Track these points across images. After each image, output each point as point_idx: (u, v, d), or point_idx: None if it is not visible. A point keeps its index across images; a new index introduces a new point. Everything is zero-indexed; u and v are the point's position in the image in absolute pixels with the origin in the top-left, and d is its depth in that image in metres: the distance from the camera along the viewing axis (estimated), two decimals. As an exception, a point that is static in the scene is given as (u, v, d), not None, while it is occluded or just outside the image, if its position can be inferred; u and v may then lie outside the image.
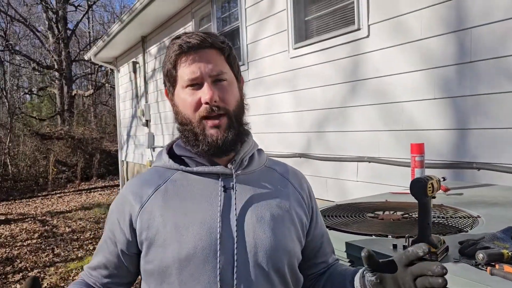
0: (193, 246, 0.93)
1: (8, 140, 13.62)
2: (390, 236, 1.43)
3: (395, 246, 1.25)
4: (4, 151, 13.33)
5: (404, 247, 1.19)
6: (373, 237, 1.47)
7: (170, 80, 1.04)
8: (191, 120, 1.00)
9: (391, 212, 1.83)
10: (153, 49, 7.90)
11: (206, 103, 0.97)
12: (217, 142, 0.98)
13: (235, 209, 0.99)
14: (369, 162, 3.24)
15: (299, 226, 1.06)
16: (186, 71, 0.99)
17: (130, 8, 6.93)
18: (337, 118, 3.55)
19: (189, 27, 6.30)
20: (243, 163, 1.06)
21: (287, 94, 4.16)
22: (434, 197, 1.14)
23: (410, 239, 1.18)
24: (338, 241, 1.49)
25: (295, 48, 3.99)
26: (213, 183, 1.02)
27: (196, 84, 0.99)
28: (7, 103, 15.92)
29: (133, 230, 0.99)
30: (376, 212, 1.84)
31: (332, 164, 3.64)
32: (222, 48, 1.02)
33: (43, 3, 16.90)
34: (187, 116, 1.01)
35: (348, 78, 3.42)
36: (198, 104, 0.99)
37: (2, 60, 18.25)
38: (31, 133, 14.17)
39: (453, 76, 2.63)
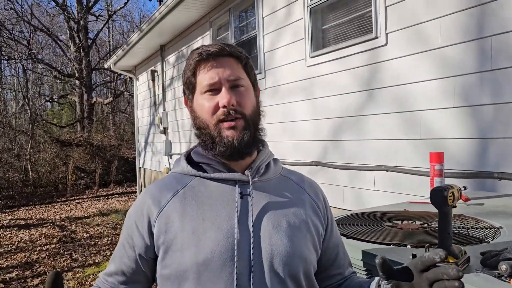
0: (210, 250, 0.94)
1: (29, 146, 13.91)
2: (409, 245, 1.41)
3: (414, 256, 1.23)
4: (25, 157, 13.61)
5: (424, 257, 1.17)
6: (392, 246, 1.45)
7: (189, 87, 1.07)
8: (208, 124, 1.02)
9: (410, 221, 1.81)
10: (171, 58, 8.00)
11: (224, 106, 0.99)
12: (233, 143, 0.99)
13: (252, 215, 1.00)
14: (387, 171, 3.21)
15: (315, 234, 1.06)
16: (205, 77, 1.02)
17: (149, 17, 7.04)
18: (354, 126, 3.53)
19: (207, 36, 6.36)
20: (259, 171, 1.07)
21: (304, 102, 4.16)
22: (454, 207, 1.12)
23: (431, 249, 1.16)
24: (355, 250, 1.48)
25: (312, 57, 3.99)
26: (230, 189, 1.03)
27: (214, 89, 1.01)
28: (29, 110, 16.27)
29: (151, 233, 1.00)
30: (394, 221, 1.82)
31: (349, 173, 3.61)
32: (240, 56, 1.05)
33: (65, 13, 17.30)
34: (205, 120, 1.03)
35: (366, 87, 3.40)
36: (216, 108, 1.01)
37: (25, 68, 18.72)
38: (51, 140, 14.44)
39: (473, 84, 2.60)
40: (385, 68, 3.21)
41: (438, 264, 0.79)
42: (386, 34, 3.18)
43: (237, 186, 1.03)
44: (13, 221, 9.20)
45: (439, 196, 1.09)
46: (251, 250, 0.96)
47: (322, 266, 1.12)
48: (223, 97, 1.00)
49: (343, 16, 3.73)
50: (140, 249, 1.02)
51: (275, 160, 1.15)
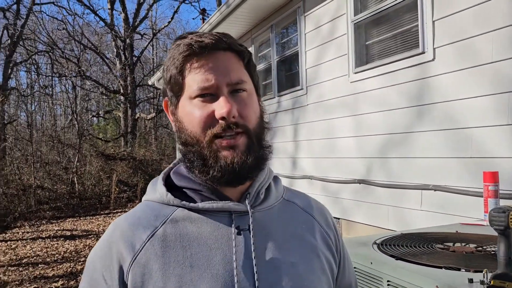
0: None
1: (76, 160, 14.47)
2: (463, 269, 1.34)
3: (471, 281, 1.16)
4: (72, 170, 14.16)
5: (482, 283, 1.11)
6: (443, 269, 1.38)
7: (174, 88, 0.82)
8: (199, 139, 0.79)
9: (463, 244, 1.72)
10: (213, 74, 8.14)
11: (223, 118, 0.77)
12: (233, 166, 0.77)
13: (255, 256, 0.78)
14: (435, 190, 3.08)
15: (330, 274, 0.88)
16: (197, 77, 0.78)
17: (193, 35, 7.20)
18: (400, 144, 3.43)
19: (249, 52, 6.44)
20: (259, 197, 0.85)
21: (347, 119, 4.09)
22: (516, 229, 1.06)
23: (489, 274, 1.09)
24: (406, 272, 1.41)
25: (356, 72, 3.94)
26: (224, 224, 0.80)
27: (208, 94, 0.79)
28: (77, 125, 16.98)
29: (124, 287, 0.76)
30: (445, 244, 1.74)
31: (394, 192, 3.50)
32: (242, 51, 0.83)
33: (112, 32, 18.09)
34: (194, 134, 0.80)
35: (412, 103, 3.31)
36: (211, 119, 0.78)
37: (75, 85, 19.61)
38: (96, 154, 14.96)
39: (529, 100, 2.47)
40: (433, 84, 3.12)
41: None
42: (434, 49, 3.09)
43: (232, 218, 0.81)
44: (60, 231, 9.53)
45: (499, 217, 1.04)
46: None
47: None
48: (222, 106, 0.77)
49: (388, 31, 3.67)
50: None
51: (276, 180, 0.93)
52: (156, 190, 0.84)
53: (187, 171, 0.83)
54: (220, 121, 0.77)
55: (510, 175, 2.55)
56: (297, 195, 0.96)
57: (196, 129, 0.79)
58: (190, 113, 0.80)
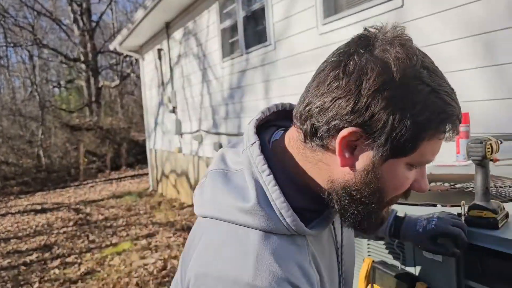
0: None
1: (40, 132, 14.01)
2: (439, 205, 1.37)
3: (459, 215, 1.17)
4: (37, 143, 13.73)
5: (459, 215, 1.13)
6: (420, 207, 1.41)
7: (401, 144, 0.68)
8: (384, 202, 0.76)
9: (438, 183, 1.76)
10: (177, 35, 7.88)
11: (421, 191, 0.79)
12: (380, 224, 0.83)
13: (341, 259, 0.92)
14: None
15: None
16: (434, 148, 0.73)
17: (154, -6, 6.89)
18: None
19: (213, 10, 6.23)
20: None
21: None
22: (492, 160, 1.07)
23: (466, 206, 1.11)
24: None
25: (324, 24, 3.87)
26: (327, 233, 0.87)
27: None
28: (37, 97, 16.34)
29: None
30: (420, 185, 1.77)
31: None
32: None
33: (67, -4, 17.16)
34: (385, 197, 0.75)
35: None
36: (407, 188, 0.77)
37: (31, 54, 18.71)
38: (61, 125, 14.53)
39: (499, 42, 2.48)
40: (409, 29, 3.08)
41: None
42: (402, -5, 3.05)
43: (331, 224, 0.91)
44: (29, 206, 9.32)
45: (476, 148, 1.04)
46: None
47: None
48: (426, 183, 0.78)
49: (355, -21, 3.58)
50: None
51: None
52: (279, 218, 0.71)
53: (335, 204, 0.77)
54: (417, 191, 0.78)
55: (480, 118, 2.60)
56: None
57: (392, 193, 0.75)
58: (400, 179, 0.73)
